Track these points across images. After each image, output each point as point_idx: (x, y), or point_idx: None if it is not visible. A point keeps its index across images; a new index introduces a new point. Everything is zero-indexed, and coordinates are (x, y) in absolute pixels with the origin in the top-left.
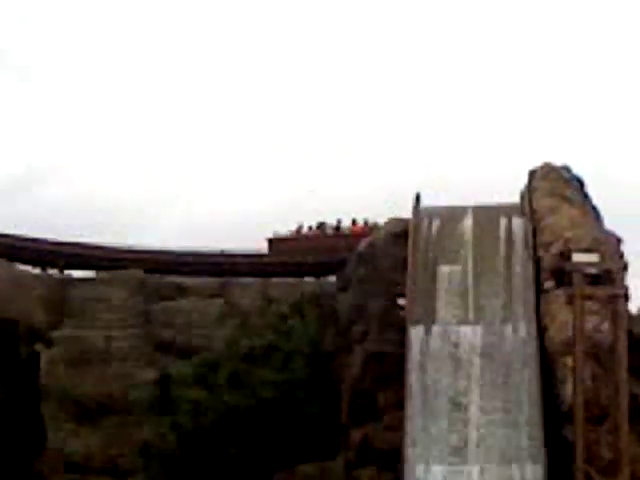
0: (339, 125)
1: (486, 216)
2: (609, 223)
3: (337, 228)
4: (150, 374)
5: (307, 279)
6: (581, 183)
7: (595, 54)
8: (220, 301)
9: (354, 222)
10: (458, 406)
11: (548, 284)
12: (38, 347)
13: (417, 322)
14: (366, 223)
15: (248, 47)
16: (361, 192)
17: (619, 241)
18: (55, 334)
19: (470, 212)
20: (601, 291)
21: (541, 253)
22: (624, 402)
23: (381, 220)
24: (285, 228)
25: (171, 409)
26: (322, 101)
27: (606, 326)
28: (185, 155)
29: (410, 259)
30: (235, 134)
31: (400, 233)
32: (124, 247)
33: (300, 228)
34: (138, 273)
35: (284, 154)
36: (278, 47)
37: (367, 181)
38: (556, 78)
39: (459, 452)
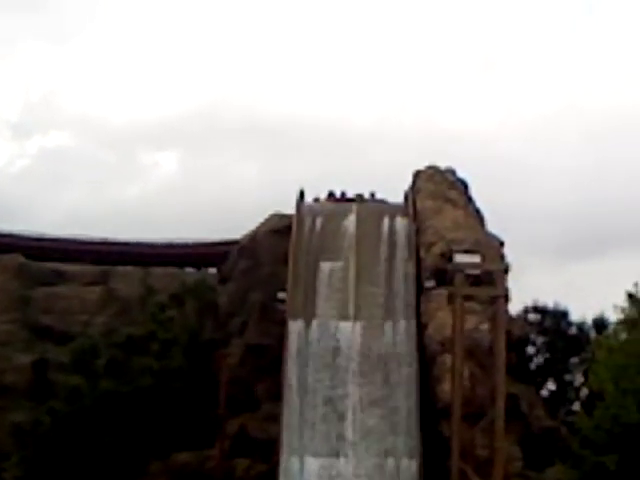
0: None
1: (369, 215)
2: (492, 226)
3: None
4: (27, 358)
5: (188, 270)
6: (465, 186)
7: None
8: (100, 288)
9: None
10: (335, 400)
11: (429, 283)
12: None
13: (297, 316)
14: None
15: None
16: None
17: (501, 244)
18: None
19: (354, 210)
20: (482, 292)
21: (423, 253)
22: (501, 402)
23: None
24: None
25: (47, 394)
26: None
27: (485, 326)
28: None
29: (292, 254)
30: None
31: (282, 228)
32: (4, 232)
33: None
34: (18, 258)
35: None
36: None
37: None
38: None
39: (335, 445)
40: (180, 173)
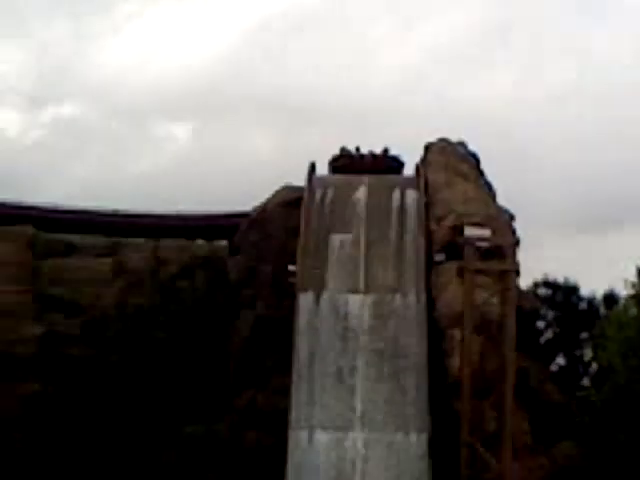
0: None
1: (380, 187)
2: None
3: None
4: (36, 330)
5: (199, 242)
6: (476, 159)
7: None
8: (110, 260)
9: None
10: (345, 374)
11: (439, 257)
12: None
13: (307, 289)
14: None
15: None
16: None
17: (512, 217)
18: None
19: (364, 183)
20: (492, 266)
21: (433, 226)
22: (510, 376)
23: None
24: None
25: (57, 365)
26: None
27: (495, 300)
28: None
29: (302, 227)
30: None
31: (293, 201)
32: (14, 203)
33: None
34: (28, 229)
35: None
36: None
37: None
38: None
39: (344, 419)
40: (193, 145)
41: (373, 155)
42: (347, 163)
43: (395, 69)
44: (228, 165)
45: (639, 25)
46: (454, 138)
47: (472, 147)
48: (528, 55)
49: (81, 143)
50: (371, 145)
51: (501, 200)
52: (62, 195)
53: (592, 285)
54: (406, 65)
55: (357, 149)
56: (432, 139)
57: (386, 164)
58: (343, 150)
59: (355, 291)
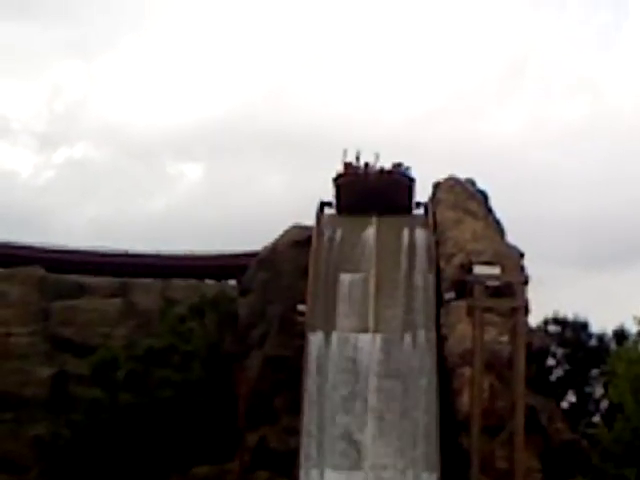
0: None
1: (389, 226)
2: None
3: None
4: (47, 371)
5: (208, 282)
6: (485, 197)
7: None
8: (120, 301)
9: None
10: (355, 413)
11: (449, 295)
12: None
13: (316, 329)
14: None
15: None
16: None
17: (521, 255)
18: None
19: (373, 222)
20: (501, 304)
21: (443, 264)
22: (520, 414)
23: None
24: None
25: (67, 407)
26: None
27: (505, 338)
28: None
29: (312, 266)
30: None
31: (302, 240)
32: (24, 244)
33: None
34: (38, 271)
35: None
36: None
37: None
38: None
39: (354, 458)
40: (205, 184)
41: (380, 171)
42: (352, 180)
43: (406, 107)
44: (238, 204)
45: None
46: (466, 175)
47: (482, 184)
48: (541, 93)
49: (93, 184)
50: None
51: (510, 237)
52: (74, 235)
53: (603, 322)
54: (417, 103)
55: (366, 165)
56: (441, 176)
57: (393, 179)
58: (349, 166)
59: (365, 330)
